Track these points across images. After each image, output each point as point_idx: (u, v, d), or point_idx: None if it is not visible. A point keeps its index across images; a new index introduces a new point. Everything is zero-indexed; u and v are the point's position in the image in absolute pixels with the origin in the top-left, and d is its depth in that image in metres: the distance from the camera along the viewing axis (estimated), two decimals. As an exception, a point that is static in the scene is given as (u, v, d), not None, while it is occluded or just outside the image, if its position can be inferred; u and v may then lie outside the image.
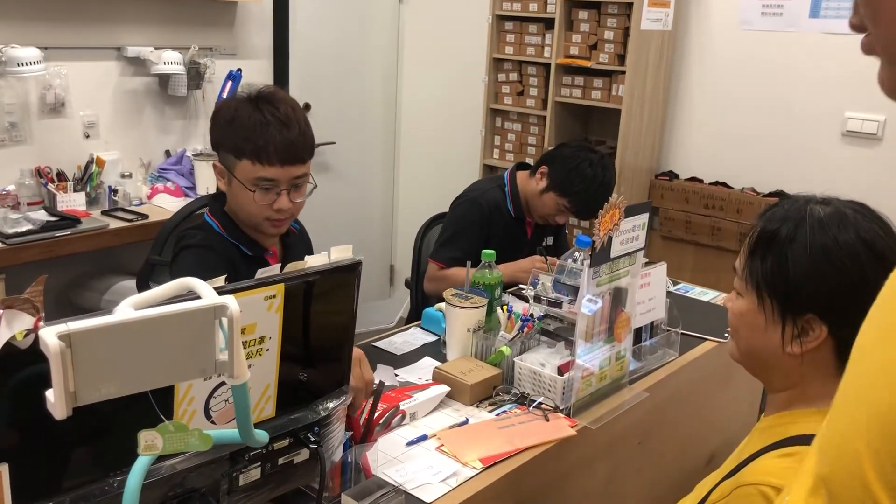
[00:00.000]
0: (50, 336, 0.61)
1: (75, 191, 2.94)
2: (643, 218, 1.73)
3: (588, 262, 1.61)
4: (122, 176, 3.15)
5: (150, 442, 0.71)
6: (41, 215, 2.75)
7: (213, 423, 1.08)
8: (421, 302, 2.77)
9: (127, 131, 3.24)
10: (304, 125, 1.71)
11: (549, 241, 2.72)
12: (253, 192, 1.67)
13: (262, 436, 0.86)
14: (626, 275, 1.75)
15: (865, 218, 1.12)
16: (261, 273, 1.09)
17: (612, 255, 1.66)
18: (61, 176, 2.95)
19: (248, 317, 1.08)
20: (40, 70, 2.78)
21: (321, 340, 1.22)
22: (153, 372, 0.68)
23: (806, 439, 1.08)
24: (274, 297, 1.10)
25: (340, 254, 1.19)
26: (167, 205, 3.06)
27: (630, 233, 1.70)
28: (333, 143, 4.01)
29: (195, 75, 3.32)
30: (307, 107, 3.87)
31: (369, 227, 4.42)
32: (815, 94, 3.10)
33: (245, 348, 1.09)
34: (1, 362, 0.73)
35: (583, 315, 1.63)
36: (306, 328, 1.19)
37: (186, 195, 3.19)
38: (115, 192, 3.08)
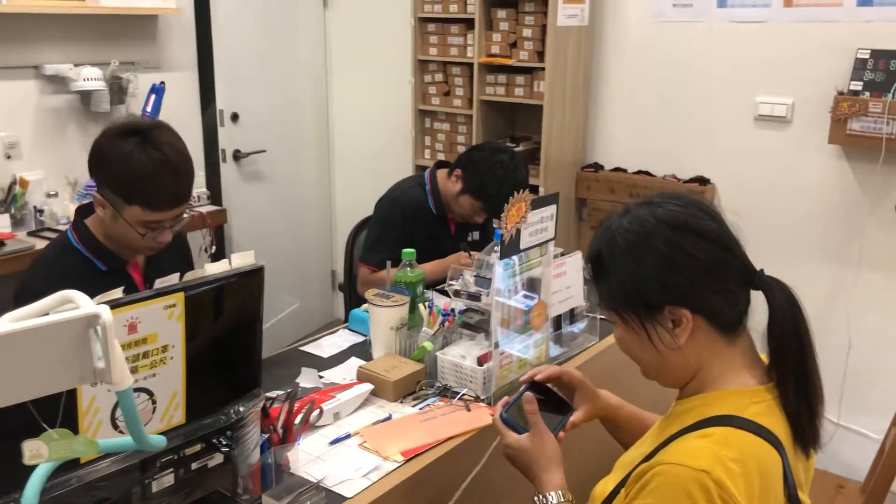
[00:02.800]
0: (-83, 354, 0.63)
1: (-1, 213, 2.90)
2: (551, 209, 1.79)
3: (497, 253, 1.66)
4: (48, 195, 3.11)
5: (36, 451, 0.74)
6: (-38, 239, 2.71)
7: (120, 432, 1.10)
8: (355, 304, 2.79)
9: (50, 150, 3.20)
10: (188, 165, 1.76)
11: (476, 235, 2.77)
12: (142, 232, 1.73)
13: (157, 441, 0.89)
14: (538, 265, 1.81)
15: (662, 201, 1.20)
16: (159, 283, 1.11)
17: (522, 247, 1.72)
18: (-15, 197, 2.91)
19: (149, 326, 1.10)
20: (-46, 93, 2.73)
21: (229, 346, 1.25)
22: (33, 381, 0.70)
23: (722, 420, 1.13)
24: (174, 305, 1.12)
25: (242, 260, 1.22)
26: (95, 222, 3.03)
27: (538, 224, 1.76)
28: (264, 150, 4.01)
29: (118, 90, 3.29)
30: (235, 117, 3.87)
31: (308, 233, 4.43)
32: (727, 81, 3.21)
33: (148, 357, 1.12)
34: None
35: (497, 305, 1.68)
36: (212, 335, 1.22)
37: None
38: (41, 212, 3.05)
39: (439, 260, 2.53)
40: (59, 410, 0.79)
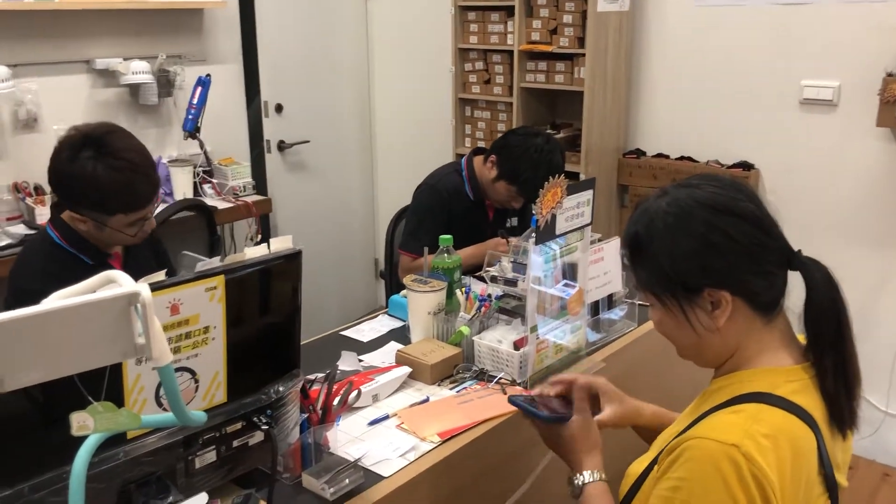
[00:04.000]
0: (-28, 328, 0.67)
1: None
2: (587, 195, 1.79)
3: (533, 240, 1.68)
4: (100, 186, 3.20)
5: (82, 423, 0.78)
6: (20, 229, 2.82)
7: (164, 409, 1.14)
8: (396, 291, 2.83)
9: (102, 142, 3.29)
10: (149, 159, 1.85)
11: (514, 221, 2.78)
12: (131, 231, 1.83)
13: (198, 416, 0.93)
14: (574, 250, 1.82)
15: (700, 183, 1.20)
16: (201, 266, 1.15)
17: (558, 232, 1.73)
18: (38, 190, 3.01)
19: (191, 308, 1.15)
20: (9, 87, 2.83)
21: (269, 327, 1.29)
22: (76, 357, 0.74)
23: (755, 397, 1.13)
24: (215, 288, 1.16)
25: (281, 244, 1.25)
26: (145, 212, 3.12)
27: (574, 209, 1.76)
28: (308, 141, 4.07)
29: (165, 83, 3.37)
30: (279, 108, 3.93)
31: (351, 222, 4.48)
32: (771, 64, 3.15)
33: (191, 338, 1.16)
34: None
35: (532, 290, 1.70)
36: (252, 316, 1.26)
37: (164, 201, 3.25)
38: (94, 202, 3.15)
39: (477, 245, 2.55)
40: (104, 385, 0.83)
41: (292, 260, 1.27)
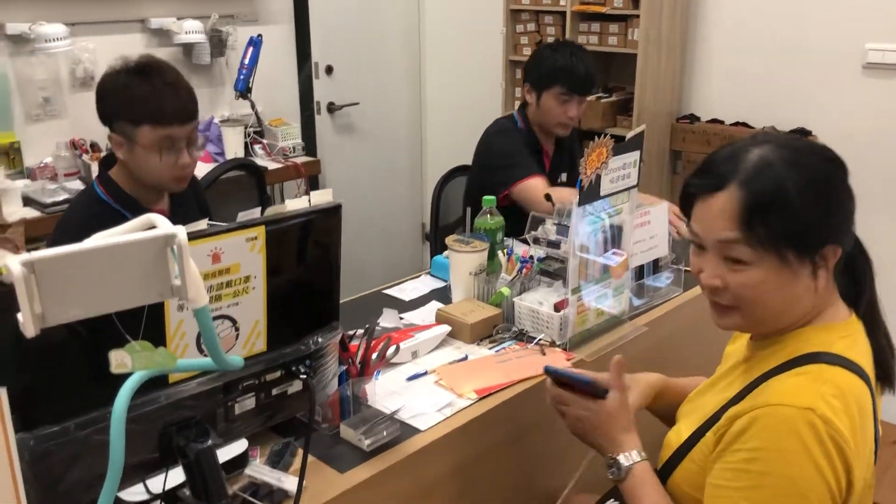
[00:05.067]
0: (14, 264, 0.70)
1: (109, 161, 3.07)
2: (634, 156, 1.76)
3: (576, 199, 1.66)
4: (154, 145, 3.27)
5: (120, 361, 0.80)
6: (77, 185, 2.90)
7: (205, 355, 1.17)
8: (440, 252, 2.83)
9: (156, 101, 3.35)
10: (186, 84, 1.84)
11: (564, 177, 2.75)
12: (158, 154, 1.78)
13: (234, 361, 0.95)
14: (619, 213, 1.79)
15: (801, 139, 1.18)
16: (241, 216, 1.17)
17: (602, 194, 1.71)
18: (95, 147, 3.08)
19: (232, 257, 1.16)
20: (67, 46, 2.89)
21: (308, 279, 1.30)
22: (114, 296, 0.76)
23: (813, 357, 1.10)
24: (255, 238, 1.18)
25: (321, 198, 1.26)
26: (197, 171, 3.17)
27: (620, 171, 1.74)
28: (357, 103, 4.08)
29: (217, 43, 3.41)
30: (329, 69, 3.94)
31: (398, 185, 4.49)
32: (833, 27, 3.03)
33: (231, 287, 1.19)
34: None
35: (574, 252, 1.68)
36: (292, 268, 1.27)
37: (216, 160, 3.30)
38: (148, 160, 3.21)
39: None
40: (142, 325, 0.85)
41: (332, 213, 1.28)
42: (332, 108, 3.99)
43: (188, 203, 2.02)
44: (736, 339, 1.40)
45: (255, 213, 1.18)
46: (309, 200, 1.25)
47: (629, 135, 1.78)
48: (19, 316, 0.72)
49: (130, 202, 1.87)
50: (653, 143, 3.33)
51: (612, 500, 1.43)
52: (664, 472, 1.27)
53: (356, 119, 4.15)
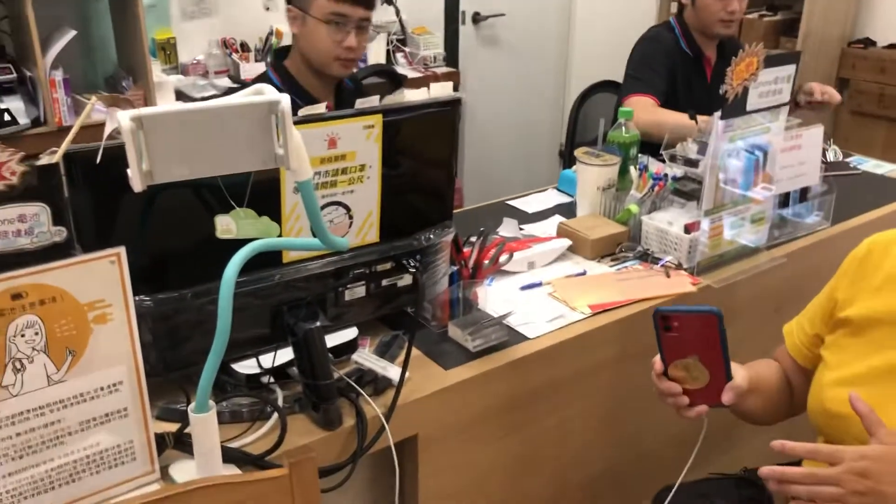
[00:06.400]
0: (124, 118, 0.71)
1: (257, 60, 3.15)
2: (789, 70, 1.61)
3: (719, 114, 1.54)
4: (300, 48, 3.33)
5: (226, 226, 0.82)
6: (225, 82, 3.00)
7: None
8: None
9: (304, 5, 3.40)
10: None
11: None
12: (327, 24, 1.84)
13: (339, 241, 0.95)
14: (765, 132, 1.66)
15: None
16: (360, 103, 1.16)
17: (749, 109, 1.58)
18: (245, 46, 3.17)
19: (348, 144, 1.17)
20: (222, -56, 2.96)
21: (423, 174, 1.29)
22: (219, 159, 0.77)
23: None
24: (372, 126, 1.17)
25: (441, 90, 1.23)
26: (338, 75, 3.21)
27: (771, 85, 1.60)
28: (504, 14, 3.97)
29: (366, -53, 3.38)
30: (477, -22, 3.84)
31: (539, 103, 4.38)
32: None
33: (346, 174, 1.19)
34: (118, 159, 0.85)
35: (711, 169, 1.57)
36: (408, 161, 1.26)
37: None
38: (293, 62, 3.28)
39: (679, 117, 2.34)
40: (247, 192, 0.87)
41: (452, 107, 1.25)
42: (476, 18, 3.91)
43: (351, 101, 2.05)
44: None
45: (374, 101, 1.16)
46: (429, 91, 1.22)
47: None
48: (129, 171, 0.75)
49: (302, 92, 1.95)
50: (818, 70, 3.06)
51: None
52: None
53: (500, 31, 4.04)
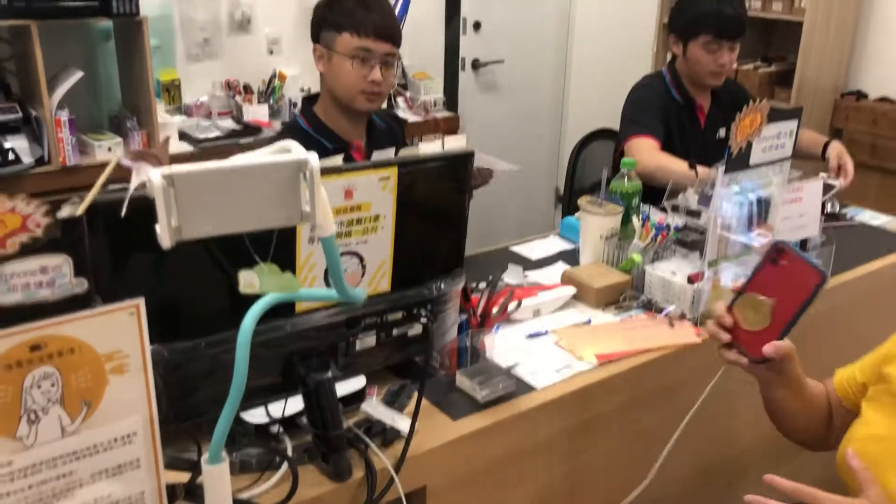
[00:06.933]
0: (156, 176, 0.72)
1: (259, 103, 3.19)
2: (791, 125, 1.64)
3: (723, 167, 1.56)
4: (302, 90, 3.37)
5: (249, 281, 0.82)
6: (228, 124, 3.03)
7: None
8: (571, 214, 2.77)
9: (307, 48, 3.38)
10: (393, 12, 1.92)
11: (722, 133, 2.60)
12: (351, 61, 1.86)
13: (356, 293, 0.96)
14: (769, 185, 1.68)
15: None
16: (377, 155, 1.18)
17: (752, 163, 1.60)
18: (248, 89, 3.21)
19: (364, 195, 1.17)
20: (229, -11, 3.01)
21: (435, 224, 1.30)
22: (246, 216, 0.78)
23: None
24: (388, 178, 1.18)
25: (454, 143, 1.25)
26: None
27: (774, 140, 1.62)
28: (502, 61, 4.03)
29: (369, -7, 3.44)
30: (477, 25, 3.91)
31: (536, 148, 4.43)
32: None
33: (361, 224, 1.20)
34: (140, 213, 0.86)
35: (714, 223, 1.59)
36: (421, 211, 1.27)
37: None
38: (295, 105, 3.31)
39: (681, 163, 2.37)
40: (271, 249, 0.87)
41: (464, 160, 1.26)
42: (476, 64, 3.97)
43: (385, 141, 2.04)
44: None
45: (390, 153, 1.18)
46: (443, 145, 1.24)
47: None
48: (157, 227, 0.75)
49: (329, 133, 1.97)
50: (812, 120, 3.11)
51: None
52: None
53: (499, 77, 4.10)
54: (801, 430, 1.35)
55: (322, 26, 1.91)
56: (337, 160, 1.13)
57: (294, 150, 0.80)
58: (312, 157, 0.78)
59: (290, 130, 2.06)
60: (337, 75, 1.91)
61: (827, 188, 2.30)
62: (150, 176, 0.71)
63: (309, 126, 1.98)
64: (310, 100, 2.04)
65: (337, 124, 1.96)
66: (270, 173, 0.77)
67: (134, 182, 0.82)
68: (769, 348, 1.19)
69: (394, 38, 1.90)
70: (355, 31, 1.85)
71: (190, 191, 0.74)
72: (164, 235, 0.73)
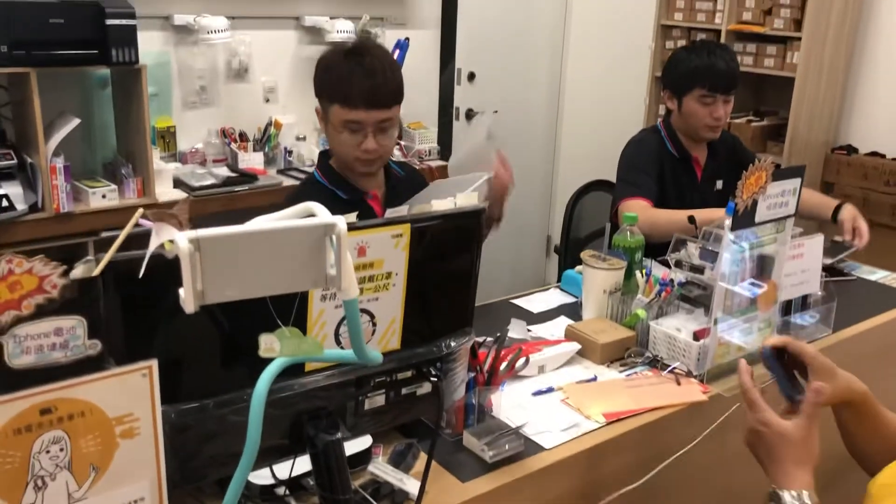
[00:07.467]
0: (182, 240, 0.71)
1: (255, 150, 3.19)
2: (794, 183, 1.66)
3: (729, 225, 1.57)
4: (297, 139, 3.38)
5: (269, 345, 0.80)
6: (224, 171, 3.02)
7: (342, 347, 1.17)
8: (570, 267, 2.77)
9: (303, 96, 3.45)
10: (389, 73, 1.84)
11: (720, 185, 2.61)
12: (344, 134, 1.84)
13: (374, 356, 0.94)
14: (772, 242, 1.68)
15: None
16: (390, 213, 1.17)
17: (757, 220, 1.61)
18: (243, 136, 3.21)
19: (377, 252, 1.16)
20: (227, 38, 3.03)
21: (445, 282, 1.29)
22: (271, 280, 0.77)
23: None
24: (401, 235, 1.17)
25: (466, 200, 1.24)
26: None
27: (779, 198, 1.63)
28: (496, 111, 4.07)
29: (366, 44, 3.48)
30: (471, 76, 3.95)
31: (528, 197, 4.45)
32: None
33: (373, 281, 1.18)
34: (154, 272, 0.84)
35: (720, 280, 1.59)
36: (432, 268, 1.26)
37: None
38: (290, 153, 3.32)
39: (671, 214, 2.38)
40: (292, 312, 0.86)
41: (476, 216, 1.26)
42: (470, 114, 4.00)
43: (406, 188, 2.02)
44: None
45: (402, 210, 1.17)
46: (454, 202, 1.23)
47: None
48: (180, 291, 0.73)
49: (344, 183, 1.95)
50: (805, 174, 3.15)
51: None
52: None
53: (493, 126, 4.13)
54: (867, 453, 1.30)
55: (319, 92, 1.89)
56: (351, 217, 1.12)
57: (320, 214, 0.79)
58: (340, 221, 0.77)
59: (307, 184, 2.06)
60: (333, 143, 1.91)
61: (842, 249, 2.33)
62: (177, 240, 0.69)
63: (324, 178, 1.96)
64: (326, 153, 2.03)
65: (354, 176, 1.95)
66: (297, 237, 0.76)
67: (153, 244, 0.80)
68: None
69: (388, 103, 1.84)
70: (344, 103, 1.81)
71: (215, 255, 0.72)
72: (189, 300, 0.71)
